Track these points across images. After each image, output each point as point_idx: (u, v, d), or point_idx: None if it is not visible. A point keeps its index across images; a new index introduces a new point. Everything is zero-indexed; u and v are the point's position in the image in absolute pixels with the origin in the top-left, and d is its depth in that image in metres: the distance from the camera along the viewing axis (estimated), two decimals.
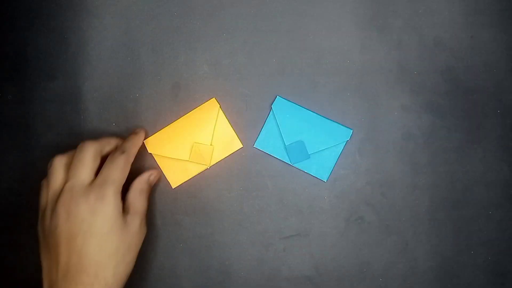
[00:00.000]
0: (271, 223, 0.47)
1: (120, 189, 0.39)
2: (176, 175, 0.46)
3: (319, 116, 0.46)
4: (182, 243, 0.47)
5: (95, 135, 0.47)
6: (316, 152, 0.46)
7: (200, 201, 0.47)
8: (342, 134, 0.46)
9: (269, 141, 0.47)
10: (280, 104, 0.46)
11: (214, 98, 0.46)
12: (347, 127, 0.46)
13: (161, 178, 0.46)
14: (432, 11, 0.48)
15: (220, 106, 0.46)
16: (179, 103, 0.47)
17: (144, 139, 0.45)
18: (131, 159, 0.41)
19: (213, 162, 0.46)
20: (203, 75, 0.47)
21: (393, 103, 0.47)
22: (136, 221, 0.40)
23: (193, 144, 0.46)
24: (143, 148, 0.45)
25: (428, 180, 0.47)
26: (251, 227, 0.47)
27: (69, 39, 0.47)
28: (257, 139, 0.47)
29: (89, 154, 0.40)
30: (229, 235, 0.47)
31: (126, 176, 0.40)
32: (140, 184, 0.43)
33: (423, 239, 0.47)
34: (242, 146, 0.46)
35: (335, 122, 0.46)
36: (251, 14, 0.47)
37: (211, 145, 0.46)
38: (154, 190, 0.46)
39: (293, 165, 0.46)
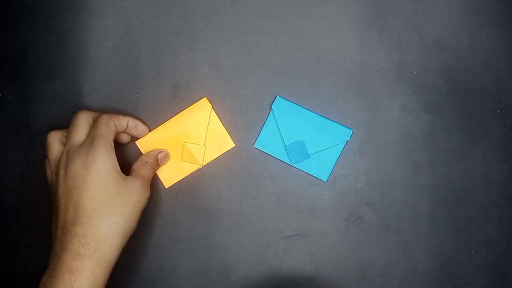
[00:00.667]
0: (271, 223, 0.47)
1: (110, 143, 0.40)
2: (169, 175, 0.46)
3: (319, 116, 0.46)
4: (182, 243, 0.47)
5: None
6: (316, 152, 0.46)
7: (200, 201, 0.47)
8: (342, 134, 0.46)
9: (269, 141, 0.47)
10: (280, 104, 0.46)
11: (205, 98, 0.46)
12: (347, 127, 0.46)
13: (168, 158, 0.46)
14: (432, 11, 0.48)
15: (212, 106, 0.46)
16: (179, 104, 0.47)
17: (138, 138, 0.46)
18: (116, 117, 0.42)
19: (205, 162, 0.46)
20: (203, 75, 0.47)
21: (393, 103, 0.47)
22: (136, 181, 0.41)
23: (184, 143, 0.46)
24: (136, 148, 0.46)
25: (428, 180, 0.47)
26: (251, 227, 0.47)
27: (70, 39, 0.47)
28: (257, 139, 0.47)
29: (81, 119, 0.41)
30: (229, 235, 0.47)
31: (114, 132, 0.41)
32: (146, 157, 0.44)
33: (423, 239, 0.47)
34: (234, 145, 0.46)
35: (335, 122, 0.46)
36: (251, 14, 0.47)
37: (203, 145, 0.46)
38: (153, 191, 0.46)
39: (293, 165, 0.46)
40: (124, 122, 0.43)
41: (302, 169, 0.46)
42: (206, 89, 0.47)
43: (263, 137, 0.47)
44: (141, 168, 0.43)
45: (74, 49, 0.47)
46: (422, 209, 0.47)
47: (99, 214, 0.37)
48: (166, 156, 0.46)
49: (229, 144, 0.46)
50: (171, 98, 0.47)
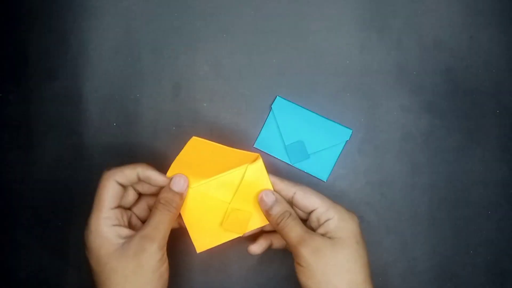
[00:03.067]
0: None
1: (105, 214, 0.37)
2: (204, 238, 0.40)
3: (319, 116, 0.46)
4: (182, 243, 0.47)
5: (95, 135, 0.47)
6: (316, 152, 0.46)
7: None
8: (342, 134, 0.46)
9: (269, 141, 0.47)
10: (280, 104, 0.46)
11: (261, 160, 0.40)
12: (347, 127, 0.46)
13: (187, 184, 0.39)
14: (432, 11, 0.48)
15: (266, 168, 0.40)
16: (179, 104, 0.47)
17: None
18: (120, 172, 0.38)
19: (247, 230, 0.40)
20: (204, 75, 0.47)
21: (392, 103, 0.47)
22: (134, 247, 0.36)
23: (229, 208, 0.40)
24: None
25: (427, 180, 0.47)
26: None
27: (70, 39, 0.47)
28: (257, 139, 0.47)
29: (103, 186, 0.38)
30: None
31: (114, 195, 0.37)
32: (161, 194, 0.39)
33: (422, 238, 0.47)
34: None
35: (335, 122, 0.46)
36: (251, 15, 0.47)
37: (249, 211, 0.40)
38: None
39: (293, 165, 0.46)
40: (131, 174, 0.37)
41: (302, 169, 0.46)
42: (206, 89, 0.47)
43: (263, 137, 0.47)
44: (151, 216, 0.37)
45: (74, 49, 0.47)
46: (422, 208, 0.47)
47: None
48: (181, 179, 0.39)
49: None
50: (171, 98, 0.47)
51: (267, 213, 0.39)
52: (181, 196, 0.38)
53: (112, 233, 0.36)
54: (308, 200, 0.39)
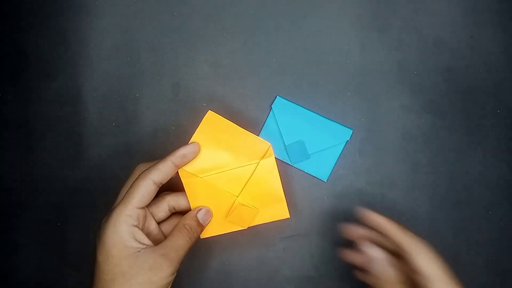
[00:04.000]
0: (271, 223, 0.47)
1: (127, 212, 0.36)
2: (208, 226, 0.41)
3: (319, 116, 0.46)
4: None
5: (95, 135, 0.47)
6: (316, 152, 0.46)
7: None
8: (342, 134, 0.46)
9: (269, 141, 0.46)
10: (280, 104, 0.46)
11: (274, 156, 0.40)
12: (347, 127, 0.46)
13: (211, 215, 0.41)
14: (432, 11, 0.48)
15: (278, 167, 0.41)
16: (179, 103, 0.47)
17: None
18: (153, 170, 0.38)
19: (251, 224, 0.41)
20: (203, 75, 0.47)
21: (393, 103, 0.47)
22: (152, 256, 0.36)
23: (236, 202, 0.40)
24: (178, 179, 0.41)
25: (428, 180, 0.47)
26: (251, 227, 0.47)
27: (69, 39, 0.47)
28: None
29: (133, 175, 0.39)
30: (229, 235, 0.47)
31: (143, 193, 0.37)
32: (185, 220, 0.39)
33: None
34: (289, 217, 0.41)
35: (335, 122, 0.46)
36: (251, 14, 0.47)
37: (256, 208, 0.41)
38: None
39: (293, 165, 0.46)
40: (166, 167, 0.38)
41: (302, 169, 0.46)
42: (206, 88, 0.47)
43: (263, 137, 0.47)
44: (173, 236, 0.37)
45: (74, 48, 0.47)
46: (422, 209, 0.47)
47: None
48: (208, 213, 0.40)
49: (284, 213, 0.41)
50: (171, 98, 0.47)
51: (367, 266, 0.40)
52: (202, 228, 0.40)
53: (128, 234, 0.36)
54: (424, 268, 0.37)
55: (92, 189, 0.47)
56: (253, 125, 0.47)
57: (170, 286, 0.37)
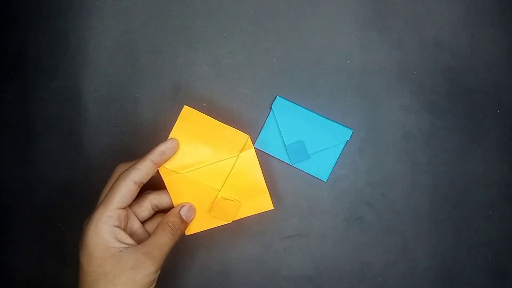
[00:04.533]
0: (271, 223, 0.47)
1: (108, 213, 0.36)
2: (192, 222, 0.41)
3: (319, 116, 0.46)
4: (182, 243, 0.47)
5: (95, 135, 0.47)
6: (316, 152, 0.46)
7: None
8: (342, 134, 0.46)
9: (269, 141, 0.47)
10: (280, 104, 0.46)
11: (253, 148, 0.40)
12: (347, 127, 0.46)
13: (194, 211, 0.41)
14: (432, 11, 0.48)
15: (258, 159, 0.41)
16: (178, 103, 0.47)
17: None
18: (133, 171, 0.38)
19: (236, 218, 0.41)
20: (203, 75, 0.47)
21: (393, 103, 0.47)
22: (134, 255, 0.36)
23: (218, 197, 0.40)
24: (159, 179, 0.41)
25: (428, 180, 0.47)
26: (251, 227, 0.47)
27: (69, 39, 0.47)
28: (257, 139, 0.47)
29: (113, 176, 0.39)
30: (229, 235, 0.47)
31: (124, 194, 0.37)
32: (168, 217, 0.39)
33: (423, 239, 0.47)
34: (272, 208, 0.41)
35: (335, 122, 0.46)
36: (251, 14, 0.47)
37: (239, 200, 0.41)
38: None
39: (293, 165, 0.46)
40: (146, 166, 0.38)
41: (302, 169, 0.46)
42: (206, 88, 0.47)
43: (263, 137, 0.47)
44: (156, 234, 0.37)
45: (74, 48, 0.47)
46: (422, 209, 0.47)
47: None
48: (191, 209, 0.40)
49: (267, 205, 0.41)
50: (171, 98, 0.47)
51: None
52: (186, 225, 0.40)
53: (110, 234, 0.35)
54: None
55: (92, 189, 0.47)
56: (253, 125, 0.47)
57: (154, 284, 0.37)
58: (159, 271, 0.36)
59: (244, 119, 0.47)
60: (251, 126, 0.47)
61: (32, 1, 0.47)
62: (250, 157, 0.40)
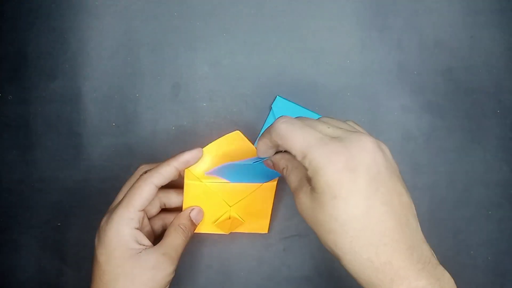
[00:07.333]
0: (271, 223, 0.47)
1: (130, 215, 0.37)
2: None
3: (320, 116, 0.46)
4: None
5: (95, 135, 0.47)
6: None
7: None
8: None
9: None
10: (280, 104, 0.46)
11: (276, 182, 0.42)
12: None
13: (202, 214, 0.42)
14: (432, 11, 0.48)
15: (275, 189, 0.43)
16: (179, 103, 0.47)
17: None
18: (155, 173, 0.38)
19: (233, 231, 0.43)
20: (203, 75, 0.47)
21: (393, 103, 0.47)
22: (153, 256, 0.37)
23: (227, 213, 0.43)
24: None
25: (428, 180, 0.47)
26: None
27: (69, 39, 0.47)
28: (257, 139, 0.46)
29: (134, 176, 0.40)
30: (229, 235, 0.47)
31: (144, 196, 0.38)
32: (178, 219, 0.41)
33: None
34: (267, 232, 0.45)
35: None
36: (251, 14, 0.47)
37: (243, 220, 0.43)
38: None
39: None
40: (168, 171, 0.38)
41: None
42: (206, 88, 0.47)
43: None
44: (170, 236, 0.39)
45: (73, 48, 0.47)
46: (422, 209, 0.47)
47: None
48: (200, 213, 0.42)
49: (263, 227, 0.44)
50: (171, 98, 0.47)
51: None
52: (195, 227, 0.42)
53: (131, 237, 0.36)
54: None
55: (92, 189, 0.47)
56: (253, 125, 0.47)
57: (169, 285, 0.38)
58: (174, 273, 0.38)
59: (244, 119, 0.47)
60: (251, 126, 0.47)
61: (32, 1, 0.47)
62: (270, 187, 0.42)
